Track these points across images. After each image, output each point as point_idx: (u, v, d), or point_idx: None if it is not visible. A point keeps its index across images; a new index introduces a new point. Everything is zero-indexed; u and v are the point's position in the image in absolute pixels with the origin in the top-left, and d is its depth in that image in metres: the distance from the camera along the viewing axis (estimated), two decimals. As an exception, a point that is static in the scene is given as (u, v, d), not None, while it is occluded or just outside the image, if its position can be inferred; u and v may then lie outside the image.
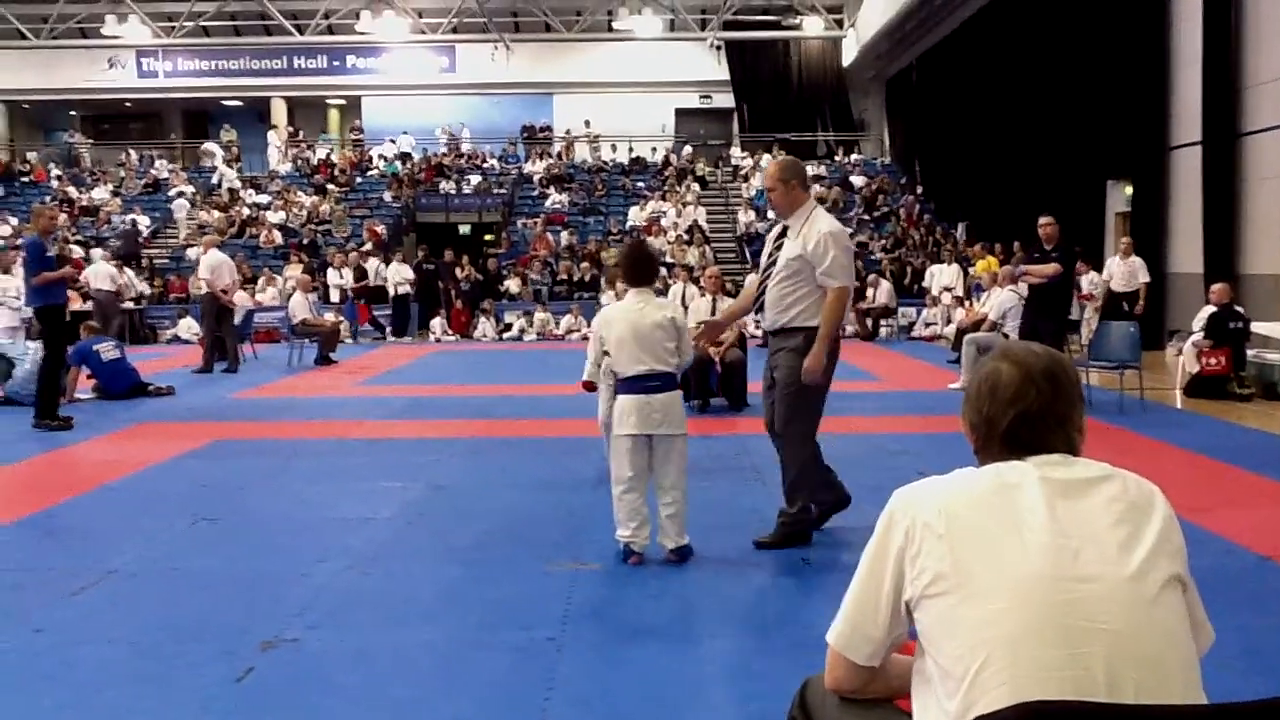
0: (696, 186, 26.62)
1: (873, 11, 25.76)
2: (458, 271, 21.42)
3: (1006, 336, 10.64)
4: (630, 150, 29.42)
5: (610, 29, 28.92)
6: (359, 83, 31.41)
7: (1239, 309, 11.26)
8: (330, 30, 29.16)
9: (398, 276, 20.53)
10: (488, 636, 4.03)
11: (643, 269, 5.12)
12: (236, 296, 15.79)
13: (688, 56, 30.09)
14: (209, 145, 30.09)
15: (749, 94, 30.25)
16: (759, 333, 5.38)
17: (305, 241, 23.50)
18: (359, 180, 27.79)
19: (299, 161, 29.35)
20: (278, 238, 24.07)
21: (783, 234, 5.22)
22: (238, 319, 15.48)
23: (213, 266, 14.17)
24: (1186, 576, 1.72)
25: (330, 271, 21.09)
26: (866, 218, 24.69)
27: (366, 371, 14.34)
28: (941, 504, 1.74)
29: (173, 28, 28.10)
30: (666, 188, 26.50)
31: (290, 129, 31.52)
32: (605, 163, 28.80)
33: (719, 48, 29.75)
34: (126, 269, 20.18)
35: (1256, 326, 11.30)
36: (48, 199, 24.62)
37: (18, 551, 5.41)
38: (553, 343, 19.10)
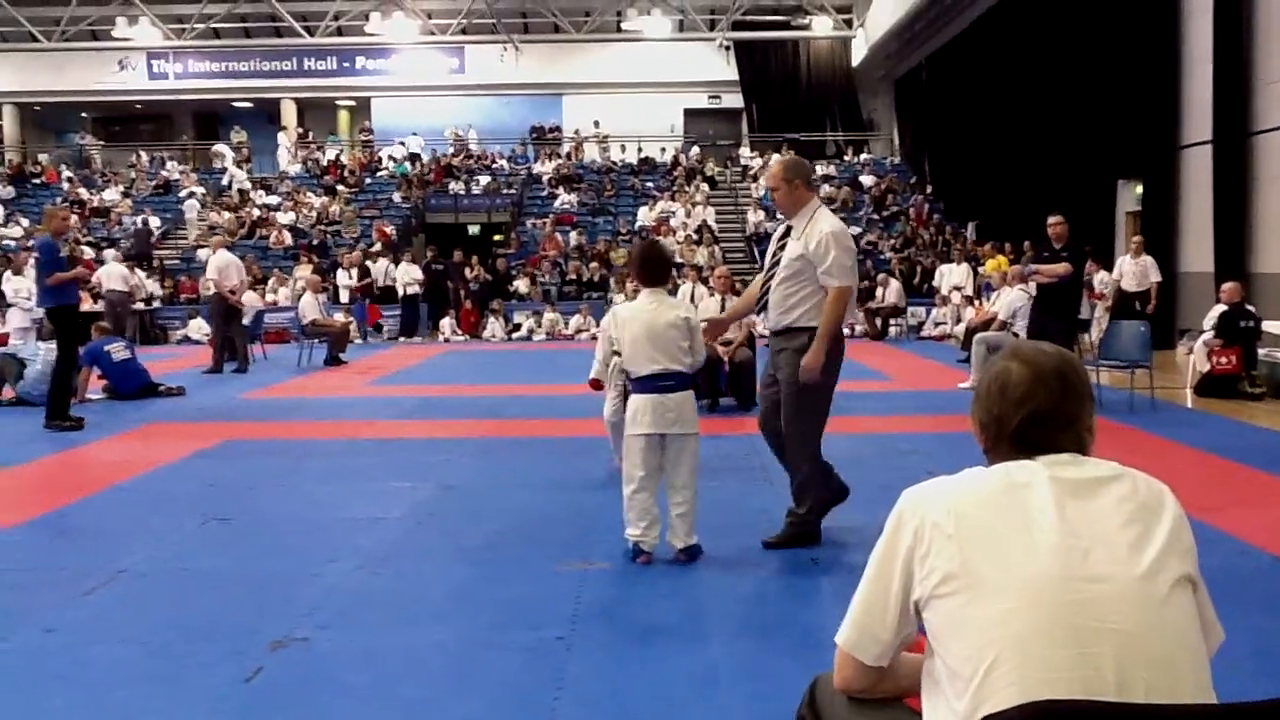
0: (705, 186, 26.62)
1: (882, 11, 25.73)
2: (467, 272, 21.46)
3: (1016, 336, 10.62)
4: (639, 150, 29.44)
5: (619, 29, 28.96)
6: (369, 84, 31.49)
7: (1250, 308, 11.23)
8: (340, 32, 29.25)
9: (407, 277, 20.56)
10: (498, 636, 4.03)
11: (656, 269, 5.12)
12: (246, 297, 15.85)
13: (697, 57, 30.10)
14: (219, 146, 30.22)
15: (758, 94, 30.24)
16: (767, 332, 5.36)
17: (315, 242, 23.56)
18: (368, 181, 27.86)
19: (309, 163, 29.44)
20: (288, 239, 24.13)
21: (786, 233, 5.21)
22: (248, 319, 15.53)
23: (220, 267, 14.21)
24: (1197, 576, 1.72)
25: (340, 272, 21.13)
26: (876, 217, 24.67)
27: (376, 372, 14.37)
28: (950, 504, 1.74)
29: (183, 30, 28.22)
30: (675, 188, 26.49)
31: (300, 130, 31.61)
32: (614, 163, 28.82)
33: (728, 48, 29.75)
34: (137, 269, 20.26)
35: (1267, 325, 11.26)
36: (59, 200, 24.72)
37: (29, 551, 5.43)
38: (562, 343, 19.11)
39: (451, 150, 29.18)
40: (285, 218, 25.21)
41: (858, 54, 28.98)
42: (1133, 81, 15.79)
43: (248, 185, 27.50)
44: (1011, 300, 11.57)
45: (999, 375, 1.86)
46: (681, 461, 4.91)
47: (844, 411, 8.75)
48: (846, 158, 28.88)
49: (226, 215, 25.22)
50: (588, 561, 4.97)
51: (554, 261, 22.51)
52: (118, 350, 11.40)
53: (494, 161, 28.93)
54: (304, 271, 20.33)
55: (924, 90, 26.15)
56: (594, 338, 13.42)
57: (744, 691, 3.52)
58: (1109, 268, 15.18)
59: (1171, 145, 15.37)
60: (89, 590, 4.61)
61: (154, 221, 25.20)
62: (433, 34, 28.69)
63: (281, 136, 30.40)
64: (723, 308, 9.78)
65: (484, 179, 27.29)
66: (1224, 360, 10.62)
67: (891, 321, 19.51)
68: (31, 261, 12.40)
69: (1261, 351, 10.94)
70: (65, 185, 27.60)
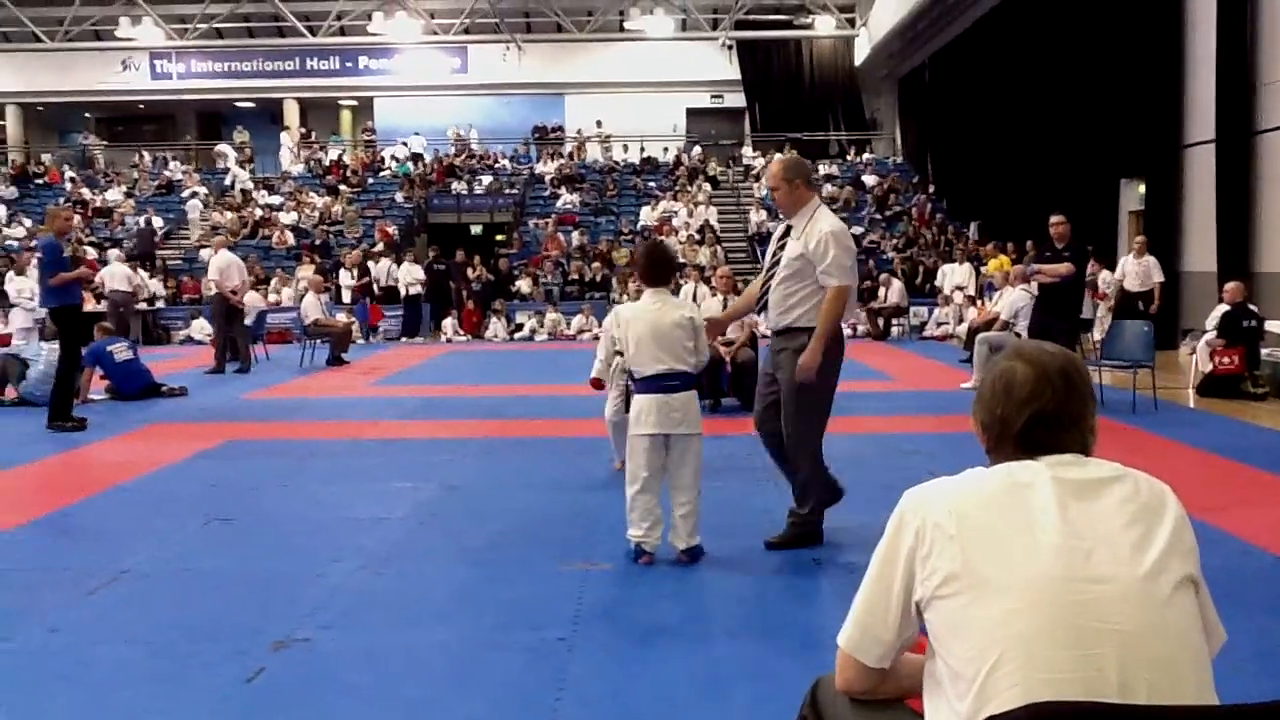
0: (708, 186, 26.61)
1: (885, 10, 25.71)
2: (469, 272, 21.46)
3: (1019, 336, 10.61)
4: (642, 150, 29.43)
5: (622, 29, 28.96)
6: (371, 84, 31.51)
7: (1253, 308, 11.22)
8: (342, 31, 29.26)
9: (409, 277, 20.57)
10: (500, 637, 4.04)
11: (661, 269, 5.12)
12: (248, 297, 15.85)
13: (699, 56, 30.10)
14: (222, 146, 30.24)
15: (760, 93, 30.24)
16: (768, 332, 5.37)
17: (317, 242, 23.56)
18: (371, 181, 27.86)
19: (311, 162, 29.46)
20: (290, 239, 24.14)
21: (786, 233, 5.20)
22: (250, 320, 15.53)
23: (222, 267, 14.20)
24: (1199, 577, 1.72)
25: (342, 272, 21.14)
26: (878, 217, 24.65)
27: (379, 372, 14.38)
28: (952, 504, 1.74)
29: (186, 30, 28.24)
30: (678, 187, 26.49)
31: (303, 130, 31.64)
32: (617, 163, 28.81)
33: (730, 47, 29.74)
34: (140, 269, 20.27)
35: (1270, 325, 11.26)
36: (62, 201, 24.73)
37: (32, 552, 5.44)
38: (564, 343, 19.11)
39: (453, 150, 29.20)
40: (288, 218, 25.23)
41: (860, 53, 28.96)
42: (1135, 81, 15.78)
43: (250, 185, 27.51)
44: (1014, 300, 11.56)
45: (1003, 375, 1.85)
46: (685, 462, 4.91)
47: (846, 411, 8.75)
48: (849, 157, 28.86)
49: (229, 215, 25.23)
50: (590, 562, 4.97)
51: (556, 261, 22.51)
52: (120, 351, 11.40)
53: (496, 161, 28.94)
54: (306, 272, 20.34)
55: (927, 90, 26.13)
56: (596, 338, 13.44)
57: (746, 692, 3.52)
58: (1111, 267, 15.17)
59: (1174, 144, 15.35)
60: (92, 590, 4.62)
61: (157, 221, 25.20)
62: (435, 34, 28.70)
63: (284, 136, 30.42)
64: (725, 308, 9.78)
65: (486, 179, 27.30)
66: (1227, 360, 10.61)
67: (894, 321, 19.50)
68: (34, 262, 12.42)
69: (1264, 351, 10.94)
70: (68, 185, 27.62)
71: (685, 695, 3.50)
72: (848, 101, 30.34)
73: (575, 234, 23.86)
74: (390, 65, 30.77)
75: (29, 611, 4.37)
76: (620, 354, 5.25)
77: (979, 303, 17.46)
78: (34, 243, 17.51)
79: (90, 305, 15.25)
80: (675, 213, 24.76)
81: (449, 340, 20.01)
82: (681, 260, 19.86)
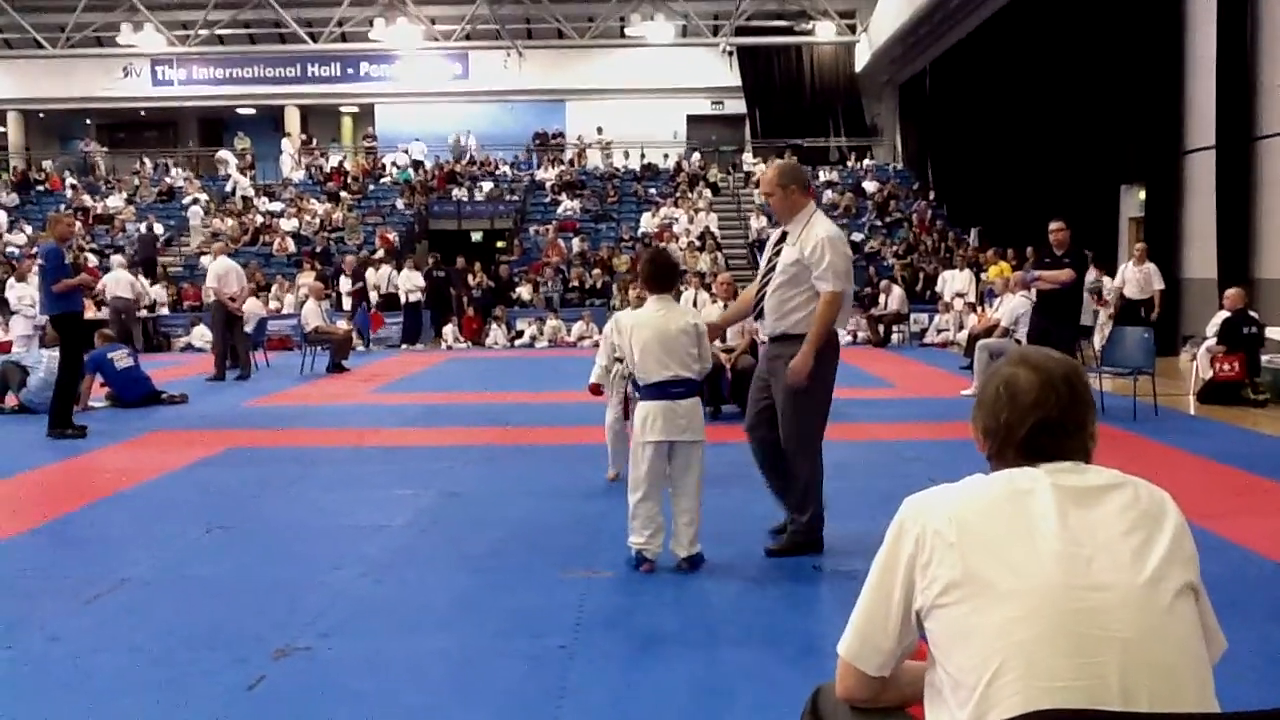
0: (708, 192, 26.64)
1: (885, 17, 25.75)
2: (470, 278, 21.46)
3: (1019, 342, 10.60)
4: (642, 156, 29.48)
5: (622, 35, 29.01)
6: (372, 90, 31.59)
7: (1253, 314, 11.22)
8: (344, 38, 29.30)
9: (409, 284, 20.58)
10: (501, 644, 4.03)
11: (664, 276, 5.12)
12: (248, 304, 15.84)
13: (700, 62, 30.15)
14: (223, 153, 30.29)
15: (761, 99, 30.28)
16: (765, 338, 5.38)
17: (318, 249, 23.58)
18: (371, 187, 27.90)
19: (312, 169, 29.50)
20: (291, 245, 24.16)
21: (782, 239, 5.20)
22: (251, 327, 15.52)
23: (220, 274, 14.18)
24: (1199, 584, 1.71)
25: (343, 279, 21.15)
26: (879, 223, 24.67)
27: (379, 379, 14.37)
28: (952, 512, 1.73)
29: (187, 36, 28.27)
30: (678, 194, 26.53)
31: (304, 136, 31.67)
32: (617, 169, 28.86)
33: (731, 54, 29.79)
34: (142, 276, 20.27)
35: (1271, 332, 11.25)
36: (63, 207, 24.73)
37: (33, 559, 5.44)
38: (564, 349, 19.12)
39: (451, 156, 29.23)
40: (288, 224, 25.25)
41: (861, 59, 29.00)
42: (1136, 87, 15.80)
43: (251, 192, 27.55)
44: (1014, 307, 11.56)
45: (1007, 381, 1.84)
46: (689, 469, 4.92)
47: (847, 418, 8.77)
48: (849, 163, 28.90)
49: (230, 222, 25.26)
50: (591, 569, 4.97)
51: (557, 268, 22.53)
52: (121, 358, 11.41)
53: (497, 168, 28.97)
54: (307, 278, 20.35)
55: (927, 96, 26.17)
56: (597, 344, 13.46)
57: (746, 700, 3.51)
58: (1111, 274, 15.17)
59: (1175, 150, 15.37)
60: (92, 598, 4.62)
61: (158, 228, 25.24)
62: (436, 40, 28.74)
63: (285, 143, 30.46)
64: (725, 314, 9.78)
65: (487, 185, 27.33)
66: (1227, 367, 10.61)
67: (894, 328, 19.51)
68: (36, 268, 12.42)
69: (1265, 358, 10.93)
70: (69, 192, 27.66)
71: (686, 703, 3.49)
72: (848, 108, 30.38)
73: (576, 240, 23.89)
74: (391, 72, 30.83)
75: (29, 619, 4.37)
76: (620, 360, 5.25)
77: (979, 309, 17.46)
78: (35, 249, 17.51)
79: (91, 312, 15.24)
80: (676, 219, 24.79)
81: (449, 347, 20.02)
82: (682, 267, 19.89)
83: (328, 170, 29.11)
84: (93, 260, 21.54)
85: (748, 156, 29.43)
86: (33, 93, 30.90)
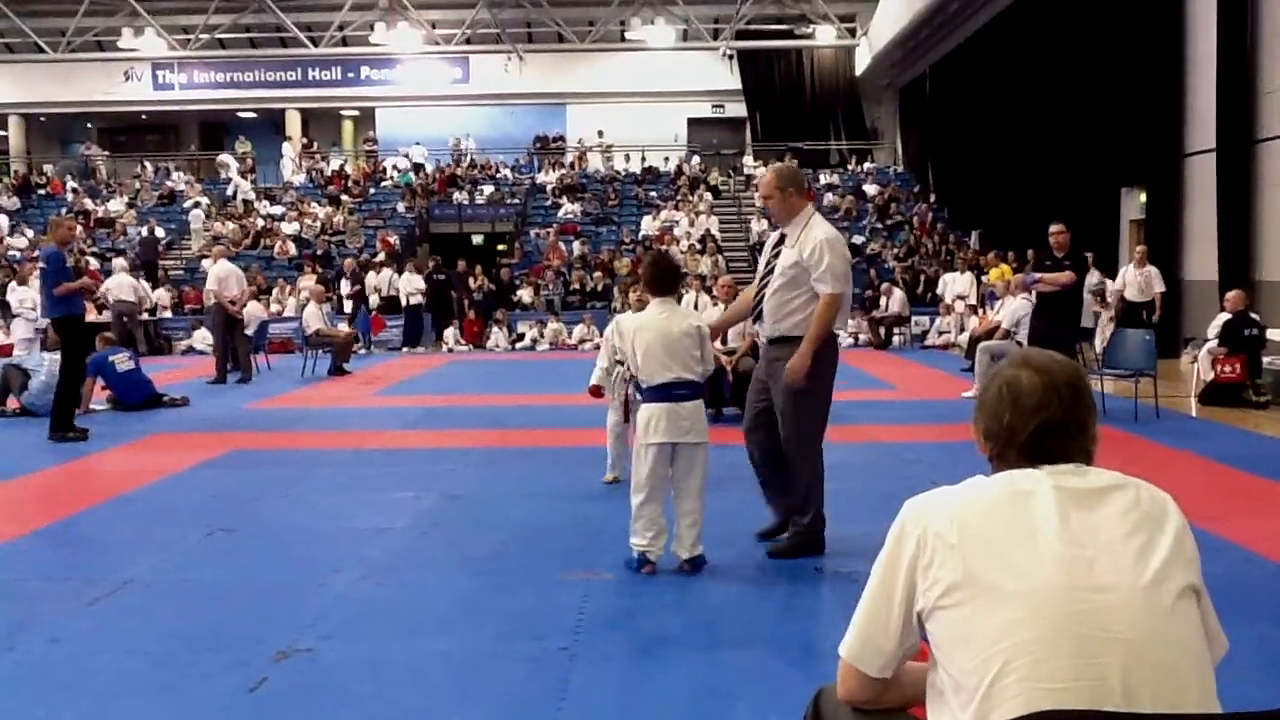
0: (709, 196, 26.65)
1: (885, 20, 25.77)
2: (471, 281, 21.47)
3: (1020, 345, 10.60)
4: (643, 160, 29.50)
5: (623, 39, 29.04)
6: (373, 94, 31.60)
7: (1254, 316, 11.23)
8: (344, 42, 29.34)
9: (410, 287, 20.59)
10: (502, 646, 4.03)
11: (667, 279, 5.14)
12: (249, 307, 15.84)
13: (700, 66, 30.16)
14: (224, 157, 30.31)
15: (761, 103, 30.29)
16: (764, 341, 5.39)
17: (319, 252, 23.60)
18: (372, 191, 27.93)
19: (313, 173, 29.53)
20: (292, 249, 24.18)
21: (780, 241, 5.21)
22: (252, 330, 15.52)
23: (220, 277, 14.18)
24: (1200, 586, 1.72)
25: (344, 282, 21.17)
26: (880, 226, 24.67)
27: (380, 382, 14.38)
28: (954, 513, 1.73)
29: (188, 40, 28.31)
30: (679, 197, 26.53)
31: (304, 140, 31.70)
32: (618, 172, 28.88)
33: (731, 57, 29.81)
34: (143, 280, 20.29)
35: (1272, 333, 11.25)
36: (64, 211, 24.81)
37: (34, 561, 5.44)
38: (565, 352, 19.12)
39: (451, 159, 29.26)
40: (289, 228, 25.27)
41: (861, 63, 29.01)
42: (1136, 89, 15.80)
43: (252, 195, 27.57)
44: (1015, 309, 11.56)
45: (1010, 384, 1.84)
46: (692, 471, 4.92)
47: (849, 420, 8.77)
48: (850, 166, 28.91)
49: (231, 225, 25.28)
50: (592, 572, 4.97)
51: (557, 271, 22.54)
52: (122, 361, 11.40)
53: (498, 171, 29.00)
54: (308, 282, 20.36)
55: (928, 99, 26.18)
56: (598, 347, 13.47)
57: (748, 702, 3.51)
58: (1112, 276, 15.16)
59: (1175, 153, 15.37)
60: (94, 600, 4.62)
61: (159, 232, 25.25)
62: (437, 44, 28.77)
63: (286, 147, 30.48)
64: (727, 317, 9.78)
65: (488, 189, 27.35)
66: (1228, 369, 10.61)
67: (895, 330, 19.50)
68: (37, 272, 12.42)
69: (1266, 360, 10.93)
70: (70, 196, 27.67)
71: (687, 705, 3.49)
72: (848, 111, 30.38)
73: (576, 243, 23.90)
74: (392, 75, 30.85)
75: (30, 621, 4.37)
76: (621, 363, 5.25)
77: (980, 312, 17.47)
78: (36, 253, 17.50)
79: (92, 315, 15.24)
80: (676, 222, 24.80)
81: (450, 350, 20.03)
82: (683, 270, 19.89)
83: (328, 174, 29.14)
84: (94, 264, 21.54)
85: (748, 160, 29.44)
86: (34, 96, 30.92)
